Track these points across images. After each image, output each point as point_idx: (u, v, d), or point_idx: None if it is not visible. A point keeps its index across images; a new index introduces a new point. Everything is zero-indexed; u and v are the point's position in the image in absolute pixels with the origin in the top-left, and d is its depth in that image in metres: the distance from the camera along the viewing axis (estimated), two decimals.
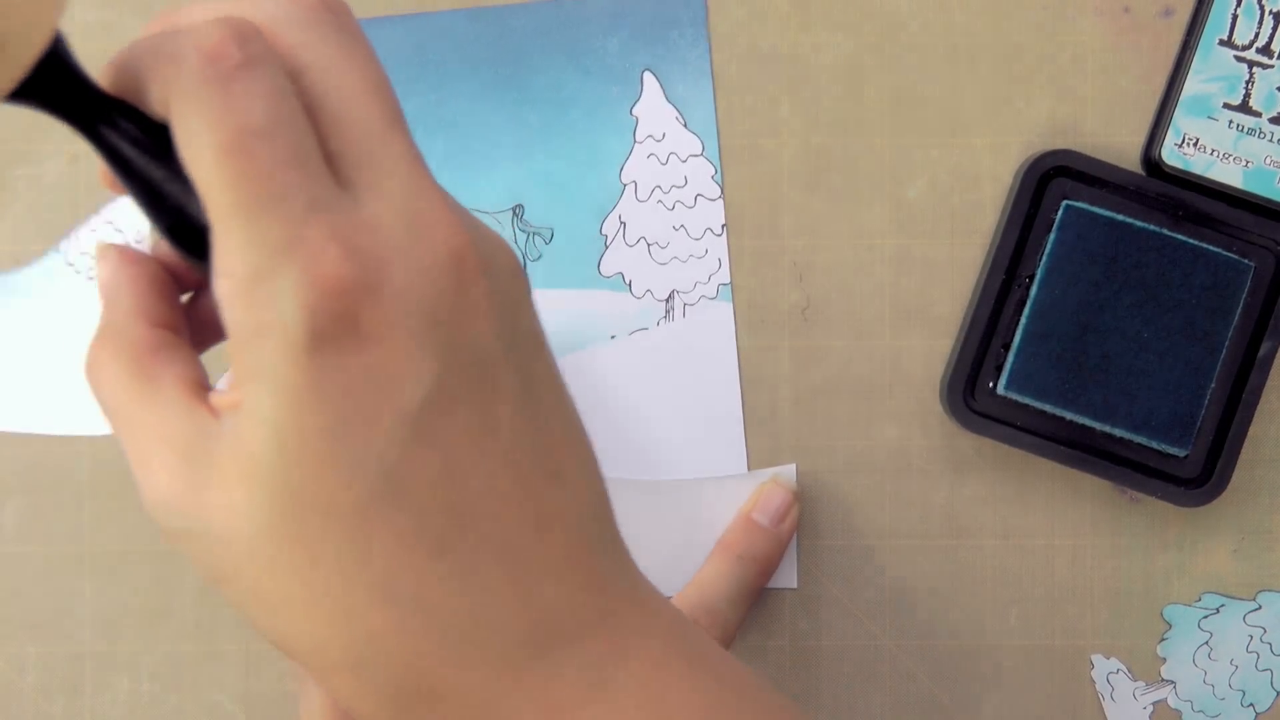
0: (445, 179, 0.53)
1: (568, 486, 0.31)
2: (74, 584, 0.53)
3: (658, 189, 0.53)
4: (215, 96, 0.28)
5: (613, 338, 0.53)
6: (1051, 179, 0.51)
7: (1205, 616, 0.53)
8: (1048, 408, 0.50)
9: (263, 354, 0.28)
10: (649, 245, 0.53)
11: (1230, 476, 0.51)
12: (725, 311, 0.53)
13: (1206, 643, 0.53)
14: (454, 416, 0.29)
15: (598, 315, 0.53)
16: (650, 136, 0.53)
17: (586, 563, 0.31)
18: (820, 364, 0.53)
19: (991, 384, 0.51)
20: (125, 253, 0.33)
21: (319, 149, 0.29)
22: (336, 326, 0.28)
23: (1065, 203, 0.50)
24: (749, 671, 0.35)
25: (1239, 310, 0.51)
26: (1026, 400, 0.50)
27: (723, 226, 0.53)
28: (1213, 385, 0.51)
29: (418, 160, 0.30)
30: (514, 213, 0.53)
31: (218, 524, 0.29)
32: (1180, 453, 0.51)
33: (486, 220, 0.53)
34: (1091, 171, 0.51)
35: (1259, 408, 0.52)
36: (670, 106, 0.53)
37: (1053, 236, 0.50)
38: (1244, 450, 0.52)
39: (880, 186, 0.53)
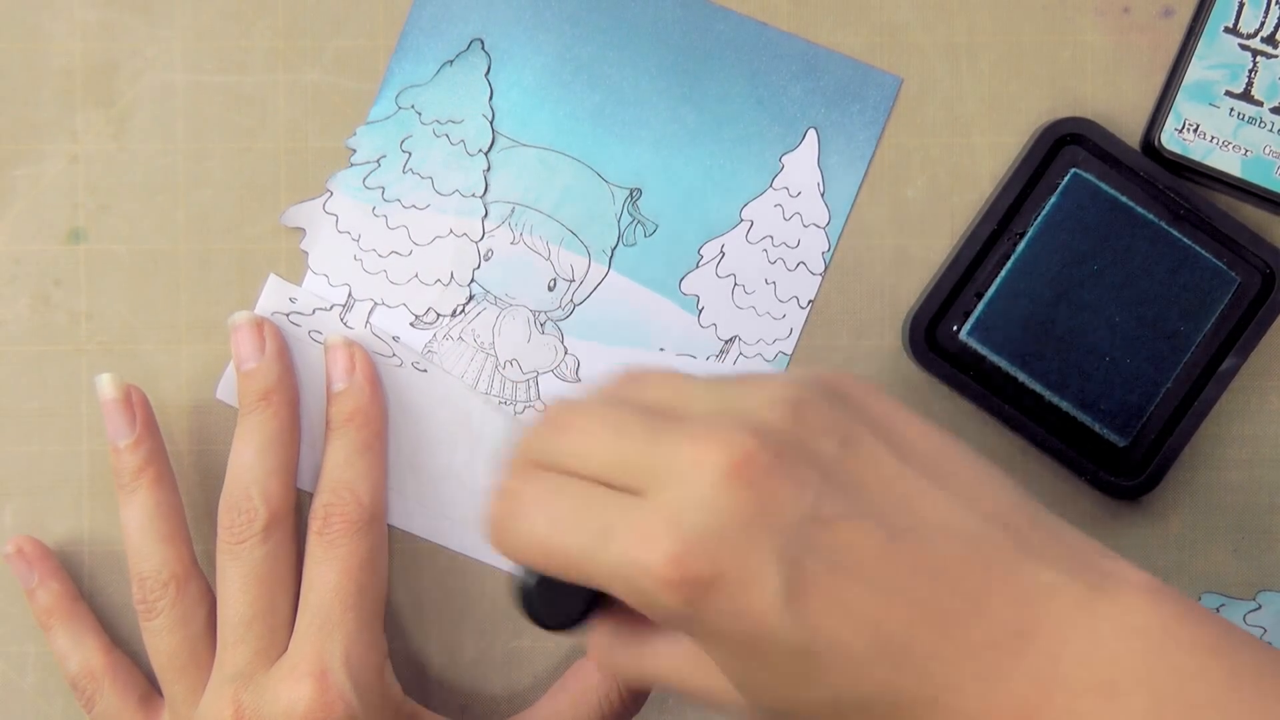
0: (589, 132, 0.52)
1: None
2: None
3: (769, 239, 0.53)
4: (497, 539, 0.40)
5: (661, 350, 0.53)
6: (1065, 145, 0.51)
7: None
8: (1003, 364, 0.51)
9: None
10: (736, 285, 0.53)
11: (1162, 478, 0.51)
12: None
13: None
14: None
15: (657, 324, 0.53)
16: (786, 188, 0.52)
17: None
18: (820, 364, 0.53)
19: (955, 328, 0.51)
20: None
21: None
22: (690, 592, 0.36)
23: (1073, 170, 0.51)
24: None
25: (1213, 320, 0.51)
26: (985, 352, 0.51)
27: (809, 303, 0.53)
28: (1169, 385, 0.51)
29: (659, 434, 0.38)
30: (630, 194, 0.52)
31: None
32: (1120, 442, 0.51)
33: (600, 190, 0.52)
34: (1106, 146, 0.51)
35: (1262, 403, 0.53)
36: (818, 171, 0.53)
37: (1053, 200, 0.51)
38: (1245, 449, 0.53)
39: (880, 186, 0.53)
